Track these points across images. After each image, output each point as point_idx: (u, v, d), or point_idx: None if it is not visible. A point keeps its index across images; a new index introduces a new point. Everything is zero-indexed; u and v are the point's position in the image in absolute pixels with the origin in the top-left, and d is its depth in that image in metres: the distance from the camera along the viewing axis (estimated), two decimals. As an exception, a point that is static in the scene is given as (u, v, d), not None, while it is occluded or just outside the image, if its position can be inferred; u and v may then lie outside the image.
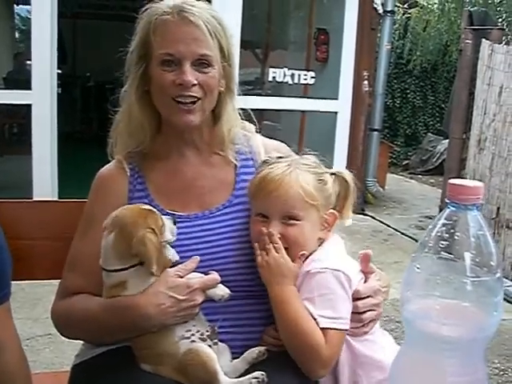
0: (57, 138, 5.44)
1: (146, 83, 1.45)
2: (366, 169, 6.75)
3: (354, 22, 6.10)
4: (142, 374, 1.28)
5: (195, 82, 1.39)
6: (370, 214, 6.51)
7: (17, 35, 12.88)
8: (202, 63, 1.40)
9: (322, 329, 1.25)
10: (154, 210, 1.32)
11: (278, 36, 8.73)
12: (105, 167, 1.53)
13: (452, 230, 0.65)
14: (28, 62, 7.99)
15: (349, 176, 1.44)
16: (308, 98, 6.57)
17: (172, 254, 1.33)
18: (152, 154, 1.50)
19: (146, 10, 1.43)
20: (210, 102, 1.44)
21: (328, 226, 1.42)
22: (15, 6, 12.47)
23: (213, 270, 1.33)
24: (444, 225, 0.65)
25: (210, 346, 1.30)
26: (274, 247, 1.33)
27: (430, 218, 6.27)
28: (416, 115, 11.28)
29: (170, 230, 1.33)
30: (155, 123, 1.49)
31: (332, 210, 1.41)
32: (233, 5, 5.54)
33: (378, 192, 7.05)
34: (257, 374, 1.24)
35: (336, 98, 6.27)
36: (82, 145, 9.40)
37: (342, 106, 6.26)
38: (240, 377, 1.26)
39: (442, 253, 0.65)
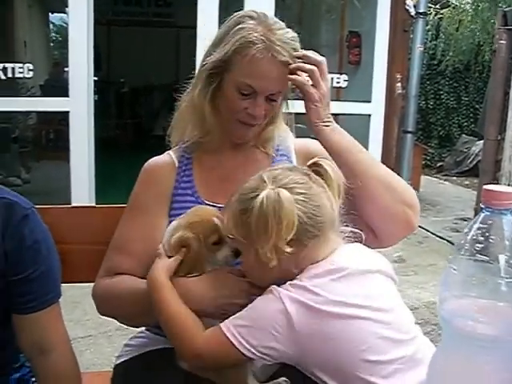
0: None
1: (217, 89, 1.50)
2: (399, 171, 6.71)
3: (387, 25, 6.07)
4: (181, 372, 1.32)
5: (262, 114, 1.47)
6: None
7: (52, 43, 13.16)
8: (273, 98, 1.48)
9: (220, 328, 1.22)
10: (219, 224, 1.36)
11: (310, 39, 8.75)
12: (154, 158, 1.61)
13: (487, 234, 0.68)
14: (64, 70, 8.16)
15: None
16: (341, 101, 6.58)
17: None
18: (203, 146, 1.58)
19: (239, 26, 1.46)
20: (266, 121, 1.54)
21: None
22: (50, 14, 12.75)
23: None
24: (479, 228, 0.68)
25: None
26: None
27: (465, 221, 6.23)
28: (450, 116, 11.19)
29: (223, 255, 1.38)
30: (217, 120, 1.54)
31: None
32: (265, 9, 5.59)
33: (412, 194, 7.02)
34: (280, 379, 1.27)
35: (369, 101, 6.26)
36: (116, 150, 9.53)
37: (375, 108, 6.24)
38: (268, 380, 1.30)
39: (478, 255, 0.68)
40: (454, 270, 0.69)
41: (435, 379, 0.72)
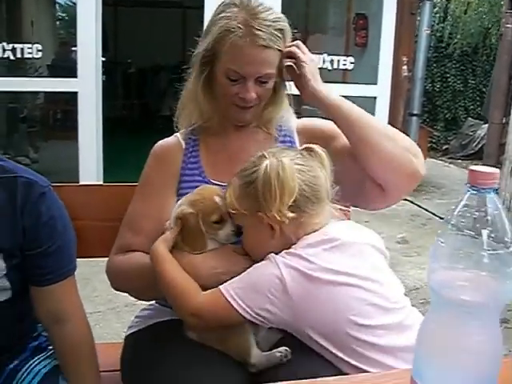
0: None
1: (209, 75, 1.57)
2: (404, 154, 6.76)
3: (394, 7, 6.10)
4: (188, 342, 1.41)
5: (255, 95, 1.53)
6: (408, 198, 6.52)
7: (58, 22, 13.14)
8: (263, 81, 1.53)
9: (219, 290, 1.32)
10: (220, 203, 1.44)
11: (317, 20, 8.76)
12: (163, 140, 1.69)
13: (472, 210, 0.74)
14: (72, 49, 8.19)
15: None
16: (347, 83, 6.62)
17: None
18: (207, 130, 1.65)
19: (223, 13, 1.52)
20: (264, 103, 1.60)
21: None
22: (57, -7, 12.73)
23: None
24: (465, 205, 0.75)
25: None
26: None
27: (469, 203, 6.29)
28: (456, 99, 11.15)
29: (225, 233, 1.45)
30: (213, 105, 1.61)
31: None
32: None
33: (416, 177, 7.06)
34: (282, 348, 1.35)
35: (375, 83, 6.30)
36: (124, 130, 9.59)
37: (380, 91, 6.28)
38: (272, 348, 1.38)
39: (464, 230, 0.74)
40: (442, 243, 0.76)
41: (424, 342, 0.79)
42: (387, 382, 1.07)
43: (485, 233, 0.73)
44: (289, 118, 1.70)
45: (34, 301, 1.44)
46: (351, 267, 1.30)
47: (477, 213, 0.74)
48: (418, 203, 6.42)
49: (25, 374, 1.45)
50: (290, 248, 1.33)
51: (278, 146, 1.57)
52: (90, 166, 5.46)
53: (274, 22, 1.52)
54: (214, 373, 1.26)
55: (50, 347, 1.52)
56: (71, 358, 1.45)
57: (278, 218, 1.31)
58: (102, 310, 3.54)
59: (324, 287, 1.27)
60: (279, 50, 1.53)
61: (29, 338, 1.54)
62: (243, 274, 1.34)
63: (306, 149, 1.43)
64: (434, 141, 10.49)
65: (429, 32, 6.74)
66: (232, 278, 1.36)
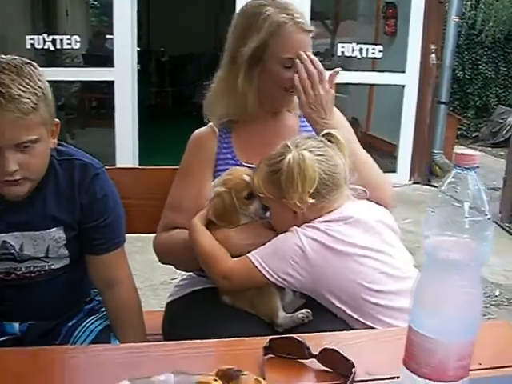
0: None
1: (260, 71, 1.74)
2: (432, 141, 6.85)
3: (422, -4, 6.19)
4: (222, 306, 1.62)
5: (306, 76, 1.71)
6: (436, 185, 6.64)
7: (90, 10, 13.35)
8: None
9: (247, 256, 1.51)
10: (250, 184, 1.61)
11: (347, 7, 8.86)
12: (199, 129, 1.88)
13: (456, 185, 0.91)
14: (106, 38, 8.39)
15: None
16: (376, 71, 6.73)
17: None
18: (242, 119, 1.83)
19: (263, 14, 1.70)
20: None
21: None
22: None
23: None
24: (450, 182, 0.92)
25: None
26: None
27: (496, 190, 6.33)
28: (487, 87, 11.12)
29: (255, 208, 1.63)
30: (258, 96, 1.78)
31: None
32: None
33: (444, 164, 7.13)
34: (304, 311, 1.54)
35: (403, 71, 6.40)
36: (158, 117, 9.81)
37: (409, 79, 6.39)
38: (296, 311, 1.56)
39: (450, 202, 0.91)
40: (433, 213, 0.93)
41: (418, 294, 0.97)
42: (390, 337, 1.24)
43: (466, 204, 0.90)
44: None
45: (90, 268, 1.65)
46: (364, 241, 1.49)
47: (460, 188, 0.90)
48: (446, 190, 6.50)
49: (81, 332, 1.66)
50: None
51: (302, 132, 1.76)
52: (127, 152, 5.69)
53: (300, 11, 1.74)
54: (246, 330, 1.44)
55: (103, 309, 1.73)
56: (121, 317, 1.66)
57: (300, 205, 1.49)
58: (140, 287, 3.72)
59: (340, 257, 1.46)
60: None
61: (84, 302, 1.75)
62: (269, 242, 1.53)
63: (326, 135, 1.59)
64: (464, 128, 10.52)
65: (457, 20, 6.80)
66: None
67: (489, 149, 9.87)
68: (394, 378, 1.05)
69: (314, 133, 1.73)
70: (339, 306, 1.49)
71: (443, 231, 0.92)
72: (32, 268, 1.58)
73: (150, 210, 1.93)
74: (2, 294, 1.59)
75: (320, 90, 1.71)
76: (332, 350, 1.09)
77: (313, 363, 1.11)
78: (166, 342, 1.42)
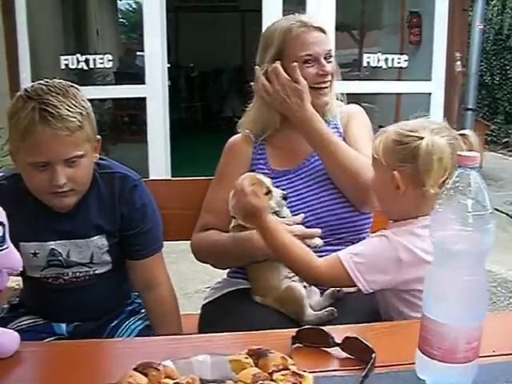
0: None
1: None
2: (460, 148, 6.86)
3: (446, 4, 6.22)
4: (254, 305, 1.74)
5: (330, 69, 1.85)
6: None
7: (119, 28, 13.63)
8: (329, 55, 1.87)
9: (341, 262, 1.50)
10: (264, 180, 1.74)
11: (373, 18, 8.94)
12: (235, 136, 2.02)
13: (460, 184, 1.01)
14: (136, 55, 8.58)
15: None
16: (402, 80, 6.78)
17: (286, 214, 1.78)
18: (272, 129, 1.95)
19: (273, 28, 1.88)
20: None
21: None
22: (118, 1, 13.24)
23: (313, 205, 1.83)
24: (454, 181, 1.02)
25: (304, 286, 1.71)
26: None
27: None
28: (517, 92, 11.09)
29: (275, 200, 1.75)
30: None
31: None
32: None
33: (473, 170, 7.15)
34: (329, 309, 1.65)
35: (429, 80, 6.44)
36: (188, 132, 9.99)
37: (435, 87, 6.41)
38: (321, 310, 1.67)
39: (456, 199, 1.01)
40: (440, 209, 1.03)
41: (430, 283, 1.07)
42: (408, 329, 1.33)
43: (469, 200, 1.00)
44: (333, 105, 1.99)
45: (131, 272, 1.78)
46: None
47: (463, 185, 1.00)
48: (475, 195, 6.52)
49: (123, 331, 1.79)
50: (406, 220, 1.52)
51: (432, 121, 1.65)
52: (159, 165, 5.81)
53: (312, 16, 1.91)
54: (276, 326, 1.54)
55: (142, 310, 1.86)
56: (161, 315, 1.78)
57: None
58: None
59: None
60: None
61: (125, 304, 1.88)
62: (363, 247, 1.55)
63: (462, 135, 1.55)
64: (494, 134, 10.48)
65: (481, 27, 6.84)
66: None
67: (519, 154, 9.84)
68: (411, 363, 1.14)
69: (340, 137, 1.87)
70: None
71: (450, 225, 1.02)
72: (78, 273, 1.71)
73: (183, 219, 2.06)
74: (50, 297, 1.73)
75: (276, 86, 1.82)
76: (354, 338, 1.19)
77: (336, 351, 1.21)
78: (203, 334, 1.53)
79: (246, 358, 0.98)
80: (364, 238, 1.85)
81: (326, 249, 1.73)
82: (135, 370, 0.92)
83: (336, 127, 1.96)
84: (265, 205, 1.59)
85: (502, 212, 5.98)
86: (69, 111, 1.50)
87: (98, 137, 1.67)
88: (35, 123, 1.47)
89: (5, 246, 1.16)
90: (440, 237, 1.03)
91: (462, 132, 1.56)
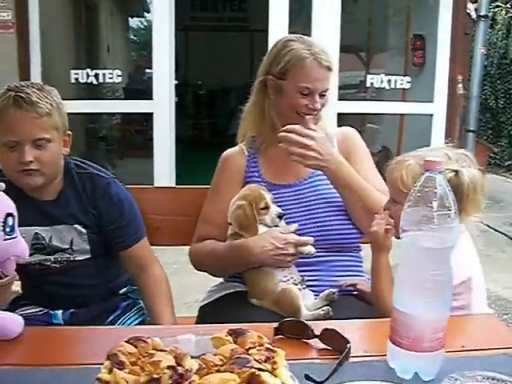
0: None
1: (278, 94, 1.99)
2: (461, 168, 6.95)
3: (448, 28, 6.36)
4: (251, 307, 1.84)
5: (319, 106, 1.96)
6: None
7: (130, 45, 13.88)
8: (324, 93, 1.97)
9: None
10: (265, 195, 1.85)
11: (378, 41, 9.09)
12: (229, 149, 2.13)
13: (427, 187, 1.11)
14: (145, 72, 8.74)
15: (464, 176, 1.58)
16: (405, 101, 6.91)
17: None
18: (265, 141, 2.07)
19: (289, 48, 1.97)
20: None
21: None
22: (130, 18, 13.49)
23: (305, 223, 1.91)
24: (421, 185, 1.12)
25: (299, 289, 1.81)
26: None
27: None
28: (521, 115, 11.17)
29: (270, 217, 1.86)
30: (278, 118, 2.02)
31: None
32: (331, 11, 6.03)
33: (474, 191, 7.23)
34: (324, 308, 1.74)
35: (432, 101, 6.56)
36: (194, 148, 10.12)
37: (437, 108, 6.52)
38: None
39: (422, 201, 1.11)
40: (408, 209, 1.13)
41: (400, 278, 1.17)
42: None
43: (435, 201, 1.10)
44: (327, 127, 2.10)
45: (123, 261, 1.95)
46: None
47: (429, 188, 1.10)
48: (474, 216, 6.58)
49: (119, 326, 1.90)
50: None
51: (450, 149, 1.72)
52: (165, 181, 5.92)
53: (325, 51, 1.99)
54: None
55: (136, 307, 2.00)
56: (154, 293, 1.91)
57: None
58: (175, 305, 3.97)
59: None
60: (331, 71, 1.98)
61: (117, 293, 2.02)
62: None
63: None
64: (497, 157, 10.57)
65: (483, 51, 6.95)
66: (278, 253, 1.77)
67: (522, 177, 9.91)
68: (384, 355, 1.23)
69: None
70: None
71: (418, 224, 1.12)
72: (59, 258, 1.87)
73: (183, 225, 2.18)
74: (38, 283, 1.90)
75: (307, 142, 1.88)
76: (332, 330, 1.28)
77: (315, 342, 1.31)
78: (195, 325, 1.62)
79: (226, 336, 1.08)
80: (358, 249, 2.00)
81: (317, 260, 1.89)
82: (126, 342, 1.03)
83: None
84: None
85: (501, 232, 6.06)
86: (39, 99, 1.73)
87: (69, 132, 1.86)
88: (9, 106, 1.71)
89: (14, 235, 1.28)
90: (409, 235, 1.13)
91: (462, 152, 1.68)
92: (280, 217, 1.84)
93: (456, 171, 1.56)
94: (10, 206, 1.29)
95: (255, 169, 2.05)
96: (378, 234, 1.68)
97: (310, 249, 1.83)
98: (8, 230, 1.27)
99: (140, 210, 1.97)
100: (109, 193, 1.89)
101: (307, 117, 1.95)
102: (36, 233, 1.84)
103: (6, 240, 1.27)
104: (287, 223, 1.91)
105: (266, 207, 1.84)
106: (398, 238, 1.61)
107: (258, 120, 2.07)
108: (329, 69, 1.96)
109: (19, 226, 1.31)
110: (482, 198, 1.58)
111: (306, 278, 1.86)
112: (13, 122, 1.72)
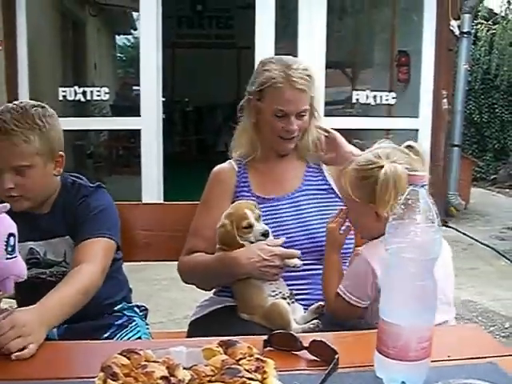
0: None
1: (257, 115, 2.05)
2: (447, 183, 7.04)
3: (432, 44, 6.48)
4: (241, 321, 1.85)
5: (296, 128, 1.99)
6: (452, 225, 6.79)
7: (116, 62, 13.92)
8: (301, 114, 2.00)
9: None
10: (248, 214, 1.87)
11: (364, 57, 9.20)
12: (220, 165, 2.17)
13: (411, 200, 1.15)
14: (132, 89, 8.77)
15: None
16: (391, 117, 6.99)
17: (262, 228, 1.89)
18: (254, 158, 2.11)
19: (264, 69, 2.01)
20: (301, 133, 2.05)
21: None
22: (116, 36, 13.55)
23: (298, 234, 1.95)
24: (406, 198, 1.15)
25: (288, 303, 1.83)
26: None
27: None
28: (505, 130, 11.25)
29: (254, 235, 1.88)
30: (260, 139, 2.09)
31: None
32: (317, 27, 6.12)
33: (459, 205, 7.30)
34: (314, 321, 1.77)
35: (417, 117, 6.65)
36: (182, 165, 10.12)
37: (422, 123, 6.62)
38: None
39: (407, 213, 1.15)
40: (393, 221, 1.16)
41: (385, 288, 1.20)
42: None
43: (417, 214, 1.13)
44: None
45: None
46: None
47: (412, 201, 1.14)
48: (461, 230, 6.66)
49: None
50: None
51: (384, 143, 1.80)
52: (152, 197, 5.95)
53: (303, 70, 2.00)
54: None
55: (132, 324, 2.00)
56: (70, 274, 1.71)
57: (386, 214, 1.55)
58: (164, 321, 3.99)
59: None
60: (311, 91, 2.00)
61: (110, 308, 2.00)
62: (347, 273, 1.73)
63: (408, 147, 1.73)
64: (482, 171, 10.67)
65: (467, 66, 7.06)
66: (264, 264, 1.80)
67: (507, 190, 10.00)
68: (372, 365, 1.26)
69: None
70: None
71: (402, 237, 1.15)
72: (55, 272, 1.88)
73: (172, 241, 2.20)
74: (33, 297, 1.84)
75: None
76: (320, 341, 1.30)
77: (304, 354, 1.33)
78: (187, 339, 1.63)
79: (217, 347, 1.11)
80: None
81: (308, 273, 1.93)
82: (119, 354, 1.05)
83: (320, 172, 2.12)
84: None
85: (487, 246, 6.11)
86: (16, 126, 1.71)
87: (61, 153, 1.86)
88: None
89: (14, 255, 1.31)
90: (394, 247, 1.16)
91: (407, 144, 1.73)
92: (264, 235, 1.87)
93: (380, 167, 1.62)
94: (13, 226, 1.32)
95: (245, 184, 2.09)
96: (335, 230, 1.78)
97: (296, 261, 1.85)
98: (10, 249, 1.29)
99: (128, 227, 1.98)
100: (87, 201, 1.87)
101: None
102: (31, 248, 1.85)
103: (7, 259, 1.29)
104: (280, 235, 1.93)
105: (250, 226, 1.87)
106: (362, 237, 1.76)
107: (245, 138, 2.13)
108: (302, 90, 1.98)
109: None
110: (394, 195, 1.59)
111: (295, 292, 1.88)
112: None
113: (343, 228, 1.80)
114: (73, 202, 1.87)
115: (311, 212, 2.01)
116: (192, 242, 2.05)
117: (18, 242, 1.37)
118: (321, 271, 1.89)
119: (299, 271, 1.89)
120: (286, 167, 2.13)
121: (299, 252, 1.86)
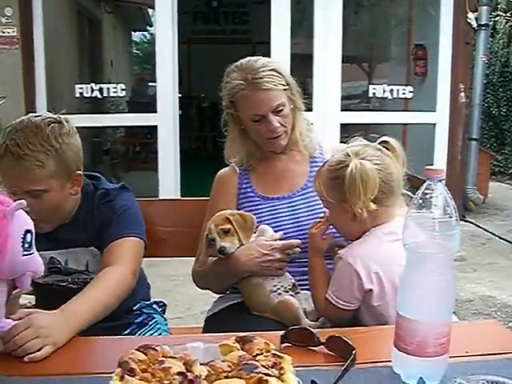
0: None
1: (240, 124, 2.05)
2: (465, 177, 6.98)
3: (449, 38, 6.42)
4: (256, 316, 1.85)
5: (279, 125, 1.97)
6: (470, 220, 6.75)
7: (133, 59, 13.97)
8: (278, 110, 1.97)
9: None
10: (211, 229, 1.86)
11: (381, 51, 9.15)
12: (222, 169, 2.18)
13: (428, 194, 1.14)
14: (148, 85, 8.79)
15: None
16: (408, 111, 6.95)
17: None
18: (254, 159, 2.11)
19: (227, 80, 2.03)
20: (289, 127, 2.03)
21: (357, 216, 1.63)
22: (133, 32, 13.59)
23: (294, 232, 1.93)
24: (423, 192, 1.15)
25: (292, 295, 1.83)
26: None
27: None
28: (524, 123, 11.19)
29: (214, 250, 1.86)
30: (253, 142, 2.09)
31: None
32: (333, 22, 6.09)
33: (478, 199, 7.24)
34: (323, 318, 1.76)
35: (434, 110, 6.59)
36: (198, 160, 10.15)
37: (439, 117, 6.57)
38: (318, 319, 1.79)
39: (423, 208, 1.13)
40: (410, 217, 1.15)
41: (404, 284, 1.19)
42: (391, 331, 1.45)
43: (435, 209, 1.12)
44: (319, 141, 2.15)
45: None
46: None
47: (429, 195, 1.13)
48: (479, 224, 6.61)
49: None
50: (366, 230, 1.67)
51: (357, 142, 1.78)
52: (169, 193, 5.97)
53: (263, 68, 1.98)
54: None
55: (151, 322, 2.01)
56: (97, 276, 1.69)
57: (360, 211, 1.60)
58: (183, 316, 4.01)
59: None
60: (281, 84, 1.97)
61: (132, 315, 2.00)
62: (333, 277, 1.70)
63: (382, 142, 1.72)
64: (501, 165, 10.57)
65: (485, 59, 6.99)
66: (265, 259, 1.82)
67: (525, 184, 9.92)
68: (389, 361, 1.25)
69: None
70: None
71: (419, 232, 1.14)
72: (76, 279, 1.87)
73: (189, 237, 2.20)
74: (55, 302, 1.84)
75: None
76: (337, 337, 1.30)
77: (321, 349, 1.33)
78: (204, 334, 1.64)
79: (234, 343, 1.11)
80: None
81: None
82: (136, 350, 1.05)
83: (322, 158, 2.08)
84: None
85: (506, 240, 6.06)
86: (29, 150, 1.64)
87: (79, 172, 1.79)
88: (2, 155, 1.64)
89: (31, 251, 1.31)
90: (411, 242, 1.15)
91: (382, 139, 1.72)
92: (220, 251, 1.84)
93: (348, 165, 1.61)
94: (29, 223, 1.32)
95: (248, 185, 2.10)
96: (316, 236, 1.77)
97: (295, 250, 1.86)
98: (26, 245, 1.30)
99: (146, 222, 1.98)
100: (111, 205, 1.85)
101: None
102: (52, 257, 1.83)
103: (24, 256, 1.29)
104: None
105: (213, 240, 1.86)
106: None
107: (239, 143, 2.11)
108: (269, 89, 1.94)
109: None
110: (363, 191, 1.59)
111: (298, 284, 1.89)
112: (4, 174, 1.69)
113: (327, 233, 1.78)
114: (95, 209, 1.85)
115: (309, 212, 2.00)
116: (201, 249, 2.05)
117: (38, 251, 1.36)
118: None
119: (303, 267, 1.88)
120: (288, 164, 2.12)
121: (299, 241, 1.87)
